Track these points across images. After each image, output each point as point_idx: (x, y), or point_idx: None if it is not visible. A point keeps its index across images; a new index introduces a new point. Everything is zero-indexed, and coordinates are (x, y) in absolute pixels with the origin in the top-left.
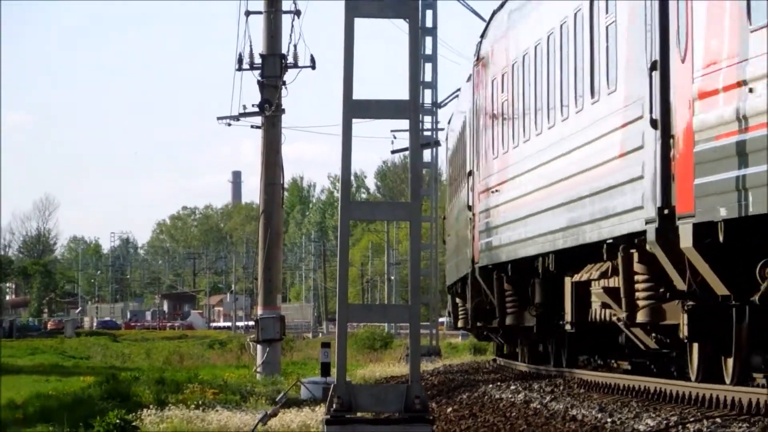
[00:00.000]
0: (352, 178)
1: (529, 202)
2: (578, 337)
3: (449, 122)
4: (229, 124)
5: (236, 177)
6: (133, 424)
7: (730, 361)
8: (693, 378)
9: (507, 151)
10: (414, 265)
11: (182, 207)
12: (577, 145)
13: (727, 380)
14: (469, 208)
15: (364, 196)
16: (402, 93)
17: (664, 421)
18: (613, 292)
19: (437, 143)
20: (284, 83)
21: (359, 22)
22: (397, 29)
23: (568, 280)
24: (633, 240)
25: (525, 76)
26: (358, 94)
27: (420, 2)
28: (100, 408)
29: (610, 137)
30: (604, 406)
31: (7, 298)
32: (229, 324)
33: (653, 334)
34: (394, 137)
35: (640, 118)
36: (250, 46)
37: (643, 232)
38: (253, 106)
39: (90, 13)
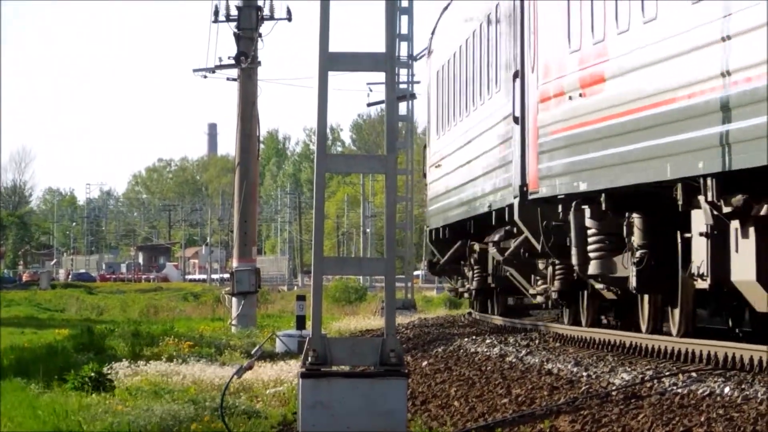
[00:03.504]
0: (328, 131)
1: (455, 177)
2: (503, 290)
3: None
4: (205, 77)
5: (212, 129)
6: (108, 376)
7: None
8: (566, 321)
9: (444, 133)
10: (389, 217)
11: (158, 159)
12: (478, 133)
13: (565, 321)
14: (425, 176)
15: (339, 149)
16: (378, 46)
17: (640, 375)
18: (504, 251)
19: (413, 96)
20: (260, 35)
21: None
22: None
23: (488, 241)
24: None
25: (453, 73)
26: (334, 47)
27: None
28: (75, 360)
29: (495, 128)
30: (580, 360)
31: None
32: (204, 276)
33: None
34: (370, 90)
35: (511, 114)
36: None
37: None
38: (229, 58)
39: None
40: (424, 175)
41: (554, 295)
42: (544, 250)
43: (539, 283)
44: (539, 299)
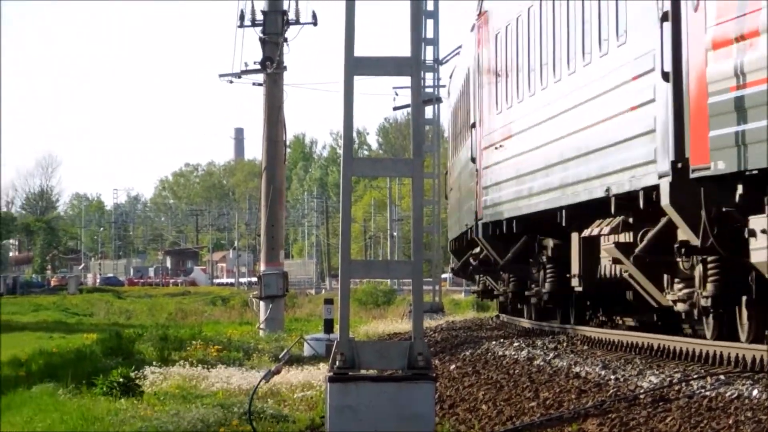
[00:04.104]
0: (354, 135)
1: (534, 158)
2: (586, 294)
3: (451, 76)
4: (231, 82)
5: (239, 134)
6: (136, 381)
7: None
8: (709, 335)
9: (511, 106)
10: (416, 220)
11: (185, 163)
12: (584, 99)
13: (708, 336)
14: (473, 160)
15: (365, 153)
16: (404, 49)
17: (668, 378)
18: (625, 247)
19: (439, 100)
20: (286, 40)
21: None
22: None
23: (575, 236)
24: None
25: (529, 30)
26: (359, 51)
27: None
28: (103, 365)
29: (618, 91)
30: (608, 363)
31: (11, 254)
32: (232, 280)
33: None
34: (396, 94)
35: (652, 70)
36: (252, 2)
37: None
38: (255, 63)
39: None
40: (473, 160)
41: (705, 302)
42: (706, 243)
43: (680, 286)
44: (680, 307)
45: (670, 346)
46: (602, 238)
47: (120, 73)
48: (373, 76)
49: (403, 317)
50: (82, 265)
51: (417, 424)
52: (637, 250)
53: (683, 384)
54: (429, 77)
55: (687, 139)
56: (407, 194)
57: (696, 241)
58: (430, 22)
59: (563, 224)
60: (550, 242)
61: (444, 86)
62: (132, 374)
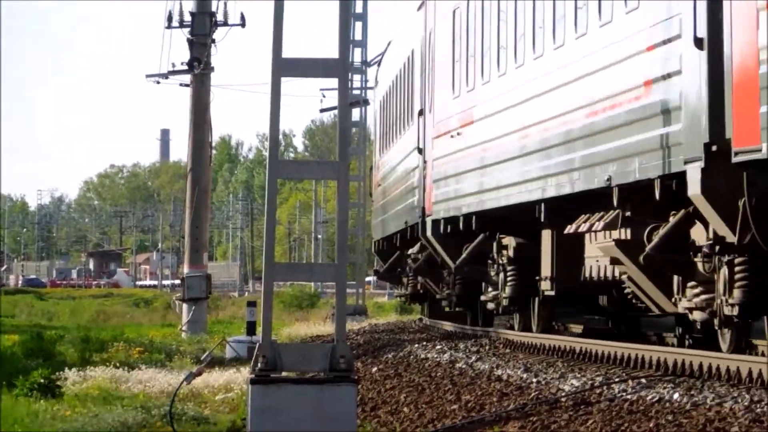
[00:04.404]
0: (281, 136)
1: (505, 145)
2: (558, 298)
3: (379, 64)
4: (158, 82)
5: (164, 135)
6: (57, 383)
7: None
8: (725, 348)
9: (473, 89)
10: (341, 224)
11: (110, 165)
12: (578, 76)
13: (725, 349)
14: (420, 151)
15: (292, 155)
16: (332, 51)
17: (590, 382)
18: (625, 245)
19: (366, 102)
20: (214, 41)
21: None
22: None
23: (547, 234)
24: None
25: (499, 1)
26: (287, 53)
27: None
28: (24, 366)
29: (628, 63)
30: (530, 366)
31: None
32: (155, 282)
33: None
34: (324, 96)
35: (677, 37)
36: (180, 3)
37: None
38: (182, 64)
39: None
40: (420, 150)
41: (730, 310)
42: (743, 240)
43: (696, 291)
44: (696, 315)
45: (592, 350)
46: (590, 236)
47: (46, 72)
48: (300, 78)
49: (326, 320)
50: (5, 266)
51: (338, 425)
52: (648, 249)
53: (605, 387)
54: (356, 79)
55: (728, 117)
56: (332, 196)
57: (732, 238)
58: (358, 24)
59: (541, 219)
60: (512, 241)
61: (371, 88)
62: (52, 375)
